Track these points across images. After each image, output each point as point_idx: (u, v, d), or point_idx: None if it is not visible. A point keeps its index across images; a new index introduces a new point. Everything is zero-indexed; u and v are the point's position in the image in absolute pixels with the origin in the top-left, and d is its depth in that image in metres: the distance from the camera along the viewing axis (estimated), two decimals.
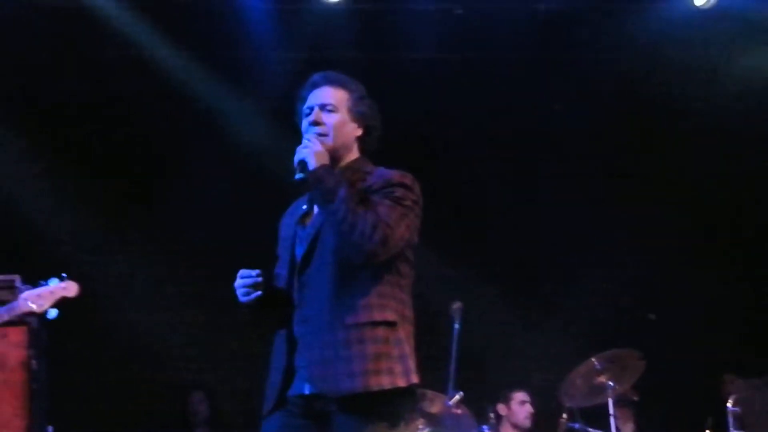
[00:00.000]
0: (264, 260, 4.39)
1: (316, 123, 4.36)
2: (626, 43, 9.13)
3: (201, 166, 9.21)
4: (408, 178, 4.33)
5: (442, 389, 7.54)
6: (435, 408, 7.64)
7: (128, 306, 9.48)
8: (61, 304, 6.14)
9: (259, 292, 4.29)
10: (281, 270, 4.46)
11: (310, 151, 4.24)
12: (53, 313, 6.13)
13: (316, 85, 4.47)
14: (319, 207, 4.25)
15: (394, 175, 4.33)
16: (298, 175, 4.23)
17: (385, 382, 4.11)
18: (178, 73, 9.06)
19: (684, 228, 9.90)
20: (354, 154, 4.45)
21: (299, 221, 4.42)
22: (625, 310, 9.73)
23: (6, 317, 6.09)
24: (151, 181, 9.54)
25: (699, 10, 8.63)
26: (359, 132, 4.45)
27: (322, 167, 4.22)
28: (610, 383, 7.67)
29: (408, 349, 4.23)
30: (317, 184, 4.19)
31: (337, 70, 4.47)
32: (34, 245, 9.10)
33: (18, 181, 9.23)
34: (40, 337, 7.08)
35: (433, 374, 7.92)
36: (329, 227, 4.17)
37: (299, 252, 4.34)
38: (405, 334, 4.25)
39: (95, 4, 8.38)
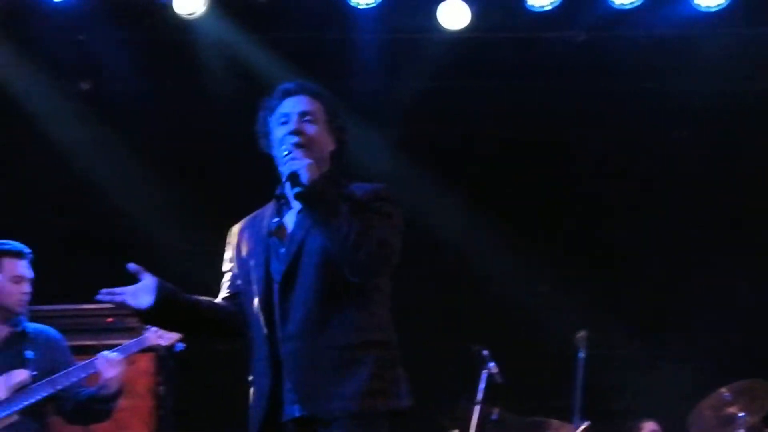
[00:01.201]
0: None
1: (297, 132, 4.07)
2: None
3: None
4: (392, 192, 4.11)
5: (569, 418, 7.48)
6: None
7: None
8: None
9: (152, 289, 3.96)
10: (233, 290, 4.25)
11: (303, 164, 3.92)
12: (180, 345, 6.26)
13: (290, 94, 4.21)
14: (318, 223, 3.91)
15: (380, 189, 4.11)
16: (296, 189, 3.88)
17: (380, 405, 3.93)
18: None
19: None
20: (326, 168, 4.12)
21: (273, 234, 4.12)
22: (755, 339, 9.54)
23: (135, 350, 6.22)
24: None
25: None
26: (333, 147, 4.20)
27: (322, 181, 3.92)
28: (741, 414, 7.53)
29: (401, 371, 4.05)
30: (318, 199, 3.88)
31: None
32: None
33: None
34: (168, 364, 7.21)
35: (558, 403, 7.90)
36: (330, 244, 3.87)
37: (278, 269, 4.05)
38: (397, 356, 4.07)
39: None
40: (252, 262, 4.15)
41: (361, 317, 3.98)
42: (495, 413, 7.31)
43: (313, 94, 4.22)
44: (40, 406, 6.04)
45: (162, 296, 3.98)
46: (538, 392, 8.84)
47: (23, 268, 6.16)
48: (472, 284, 9.36)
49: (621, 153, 9.61)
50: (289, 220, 4.13)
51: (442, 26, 8.34)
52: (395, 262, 4.00)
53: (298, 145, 4.03)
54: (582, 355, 7.51)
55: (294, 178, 3.90)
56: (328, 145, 4.19)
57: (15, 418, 5.93)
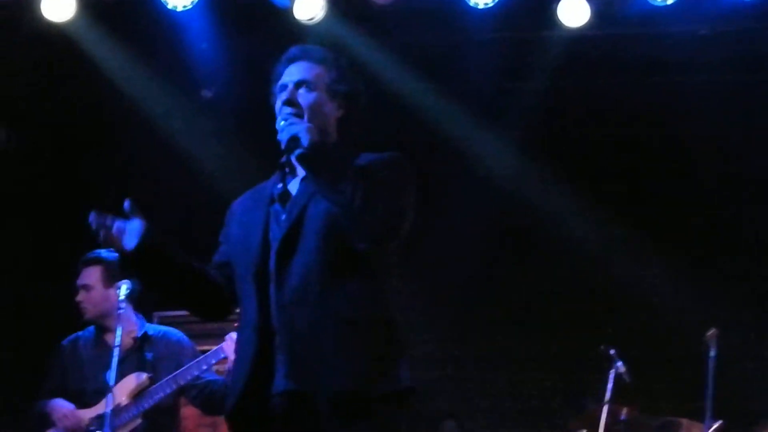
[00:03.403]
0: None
1: (289, 103, 3.86)
2: None
3: (447, 197, 9.28)
4: (405, 161, 3.88)
5: (700, 418, 7.35)
6: None
7: None
8: None
9: (140, 229, 3.78)
10: (222, 258, 4.04)
11: (302, 127, 3.73)
12: None
13: (292, 60, 3.98)
14: (322, 186, 3.70)
15: (390, 156, 3.88)
16: (298, 151, 3.68)
17: (383, 386, 3.68)
18: (423, 106, 9.18)
19: None
20: (332, 138, 3.93)
21: (275, 201, 3.90)
22: None
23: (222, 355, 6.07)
24: None
25: None
26: (339, 113, 3.95)
27: (324, 142, 3.76)
28: None
29: (405, 351, 3.78)
30: (321, 160, 3.68)
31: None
32: None
33: None
34: None
35: (689, 403, 7.78)
36: (336, 208, 3.65)
37: (276, 235, 3.82)
38: (400, 336, 3.80)
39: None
40: (250, 229, 3.92)
41: (364, 291, 3.73)
42: (624, 413, 7.21)
43: (316, 60, 3.98)
44: (167, 406, 6.12)
45: (147, 242, 3.82)
46: (667, 392, 8.74)
47: (79, 277, 6.27)
48: (600, 284, 9.29)
49: (743, 148, 9.44)
50: (293, 188, 3.92)
51: (562, 24, 8.26)
52: (404, 233, 3.75)
53: (293, 116, 3.83)
54: (713, 353, 7.36)
55: (294, 140, 3.70)
56: (332, 112, 3.94)
57: (138, 421, 6.01)
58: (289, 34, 8.32)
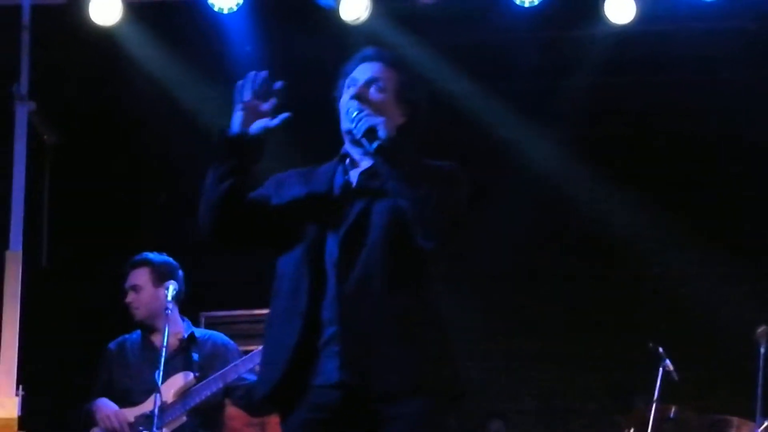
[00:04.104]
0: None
1: (358, 98, 3.83)
2: None
3: (492, 197, 9.26)
4: (462, 171, 3.86)
5: (751, 416, 7.29)
6: None
7: None
8: None
9: (271, 123, 3.74)
10: (262, 198, 3.91)
11: (380, 120, 3.72)
12: None
13: (366, 59, 3.96)
14: (397, 179, 3.67)
15: (454, 166, 3.86)
16: (377, 143, 3.68)
17: (438, 384, 3.68)
18: (474, 105, 9.15)
19: None
20: None
21: (337, 192, 3.87)
22: None
23: None
24: None
25: None
26: (401, 120, 3.89)
27: (400, 137, 3.75)
28: None
29: (458, 350, 3.77)
30: (397, 153, 3.68)
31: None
32: None
33: None
34: None
35: (739, 401, 7.71)
36: (408, 203, 3.64)
37: (339, 226, 3.77)
38: (454, 338, 3.78)
39: None
40: (303, 214, 3.86)
41: (422, 287, 3.75)
42: (672, 411, 7.16)
43: (389, 63, 3.97)
44: (213, 405, 6.17)
45: (266, 136, 3.82)
46: (717, 390, 8.67)
47: (128, 279, 6.28)
48: (649, 281, 9.24)
49: None
50: (353, 180, 3.90)
51: (608, 20, 8.22)
52: (456, 239, 3.74)
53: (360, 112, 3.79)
54: (763, 350, 7.30)
55: (372, 132, 3.70)
56: (395, 117, 3.88)
57: (184, 419, 6.06)
58: (334, 35, 8.36)
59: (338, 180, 3.90)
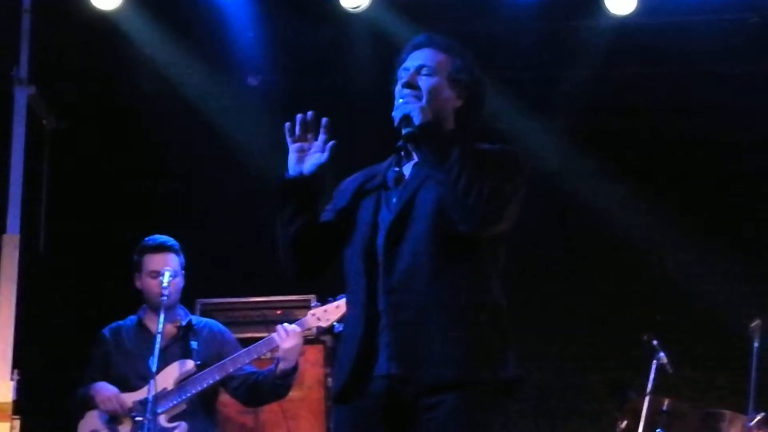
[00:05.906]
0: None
1: (409, 85, 3.90)
2: None
3: None
4: (520, 157, 3.95)
5: (743, 410, 7.31)
6: (735, 429, 7.41)
7: None
8: None
9: (323, 158, 3.83)
10: (333, 217, 4.01)
11: (416, 107, 3.78)
12: (339, 327, 6.14)
13: (417, 47, 4.02)
14: (430, 165, 3.75)
15: (508, 149, 3.96)
16: (406, 130, 3.78)
17: (486, 374, 3.68)
18: None
19: None
20: (449, 126, 3.94)
21: (388, 184, 3.95)
22: None
23: (300, 332, 6.13)
24: None
25: None
26: (458, 103, 3.97)
27: (434, 122, 3.78)
28: None
29: (512, 339, 3.80)
30: (430, 139, 3.74)
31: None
32: None
33: None
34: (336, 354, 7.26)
35: (731, 395, 7.73)
36: (441, 188, 3.69)
37: (387, 216, 3.85)
38: (507, 323, 3.82)
39: None
40: (360, 210, 3.95)
41: (471, 277, 3.76)
42: (666, 404, 7.17)
43: (440, 47, 4.02)
44: (209, 393, 6.18)
45: (321, 172, 3.92)
46: (710, 383, 8.67)
47: (158, 262, 6.24)
48: (643, 274, 9.22)
49: None
50: (406, 172, 3.98)
51: (609, 12, 8.21)
52: (511, 224, 3.85)
53: (411, 97, 3.87)
54: (756, 345, 7.32)
55: (406, 119, 3.79)
56: (450, 100, 3.96)
57: (183, 407, 6.09)
58: (335, 22, 8.35)
59: (391, 173, 3.98)
